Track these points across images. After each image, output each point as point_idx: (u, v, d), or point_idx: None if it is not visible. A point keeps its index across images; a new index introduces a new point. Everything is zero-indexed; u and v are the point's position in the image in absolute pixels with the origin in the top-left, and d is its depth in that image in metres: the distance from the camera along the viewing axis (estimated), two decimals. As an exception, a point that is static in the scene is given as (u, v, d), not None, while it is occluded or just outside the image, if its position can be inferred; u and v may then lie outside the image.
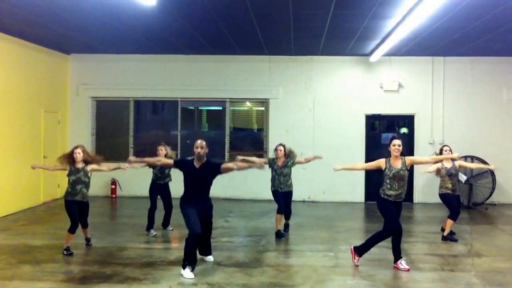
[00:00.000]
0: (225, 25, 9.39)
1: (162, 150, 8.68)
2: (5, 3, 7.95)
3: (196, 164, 6.61)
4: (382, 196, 6.77)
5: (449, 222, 8.46)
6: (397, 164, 6.69)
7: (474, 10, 7.91)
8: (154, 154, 8.64)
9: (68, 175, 7.40)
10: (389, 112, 12.75)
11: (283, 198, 8.57)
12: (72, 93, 13.16)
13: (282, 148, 8.63)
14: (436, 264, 6.98)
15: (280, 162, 8.60)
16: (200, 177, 6.60)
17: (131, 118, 13.31)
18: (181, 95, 13.13)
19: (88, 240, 7.87)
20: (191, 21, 9.08)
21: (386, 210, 6.77)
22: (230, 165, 6.75)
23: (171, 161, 7.10)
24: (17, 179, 10.72)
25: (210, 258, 7.07)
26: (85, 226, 7.73)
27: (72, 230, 7.37)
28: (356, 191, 12.79)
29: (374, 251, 7.70)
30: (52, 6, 8.14)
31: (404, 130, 13.08)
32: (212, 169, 6.66)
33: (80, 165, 7.38)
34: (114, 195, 12.91)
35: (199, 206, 6.60)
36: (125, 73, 13.08)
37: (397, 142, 6.74)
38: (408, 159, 6.78)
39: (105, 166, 7.82)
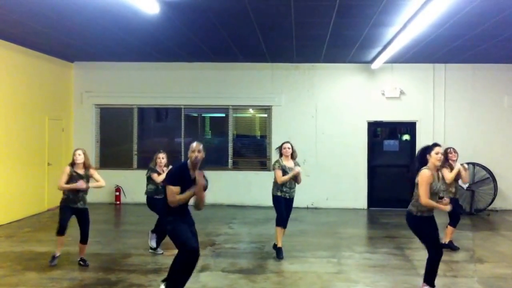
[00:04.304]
0: (228, 34, 9.48)
1: (163, 159, 7.93)
2: (10, 12, 8.06)
3: (192, 171, 5.43)
4: (415, 213, 5.74)
5: (449, 228, 8.23)
6: (437, 175, 5.77)
7: (475, 17, 7.98)
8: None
9: (70, 181, 6.95)
10: (391, 119, 12.80)
11: (285, 208, 7.75)
12: (76, 101, 13.26)
13: (289, 145, 7.82)
14: (439, 270, 6.99)
15: (288, 163, 7.74)
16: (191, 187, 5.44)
17: (135, 125, 13.39)
18: (184, 103, 13.22)
19: (84, 261, 7.18)
20: (194, 29, 9.17)
21: (429, 232, 5.77)
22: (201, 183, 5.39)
23: (173, 188, 5.29)
24: (21, 186, 10.79)
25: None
26: (84, 239, 7.18)
27: (61, 232, 7.06)
28: (359, 198, 12.82)
29: (377, 258, 7.78)
30: (55, 15, 8.24)
31: (406, 137, 13.13)
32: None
33: (81, 170, 7.03)
34: (118, 202, 12.97)
35: (190, 221, 5.55)
36: (129, 81, 13.18)
37: (441, 150, 5.67)
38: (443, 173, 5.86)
39: (101, 180, 7.28)
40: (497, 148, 12.52)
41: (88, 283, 6.38)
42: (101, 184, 7.25)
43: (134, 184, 12.76)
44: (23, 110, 10.94)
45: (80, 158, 7.00)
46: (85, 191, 7.11)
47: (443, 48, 10.55)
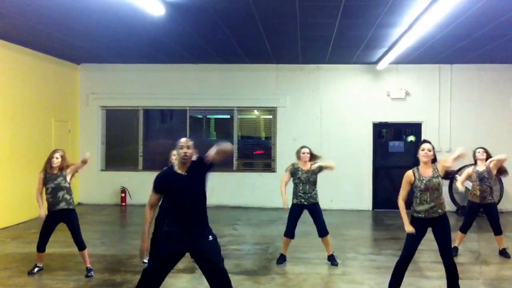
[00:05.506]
0: (233, 35, 9.50)
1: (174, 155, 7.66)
2: (16, 14, 8.11)
3: (181, 171, 4.64)
4: (412, 214, 5.76)
5: (458, 233, 7.94)
6: (428, 172, 5.61)
7: (480, 18, 7.96)
8: (165, 163, 8.40)
9: (45, 184, 6.62)
10: (396, 120, 12.78)
11: (297, 217, 7.42)
12: (82, 103, 13.31)
13: (308, 150, 7.47)
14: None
15: (305, 167, 7.46)
16: (192, 189, 4.61)
17: (140, 127, 13.43)
18: (189, 104, 13.25)
19: (88, 270, 6.75)
20: (199, 31, 9.20)
21: (408, 234, 5.80)
22: (212, 153, 4.56)
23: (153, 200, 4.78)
24: (28, 187, 10.80)
25: None
26: (80, 246, 6.74)
27: (38, 249, 6.71)
28: (363, 199, 12.80)
29: (382, 259, 7.76)
30: (62, 17, 8.30)
31: (411, 138, 13.10)
32: (202, 167, 4.65)
33: (56, 170, 6.64)
34: (123, 203, 13.00)
35: (185, 237, 4.60)
36: (134, 83, 13.22)
37: (426, 146, 5.61)
38: (440, 165, 5.60)
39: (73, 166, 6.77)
40: (503, 149, 12.28)
41: (93, 284, 6.41)
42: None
43: (139, 186, 12.79)
44: (29, 112, 11.00)
45: (56, 162, 6.64)
46: (65, 190, 6.62)
47: (448, 49, 10.53)
